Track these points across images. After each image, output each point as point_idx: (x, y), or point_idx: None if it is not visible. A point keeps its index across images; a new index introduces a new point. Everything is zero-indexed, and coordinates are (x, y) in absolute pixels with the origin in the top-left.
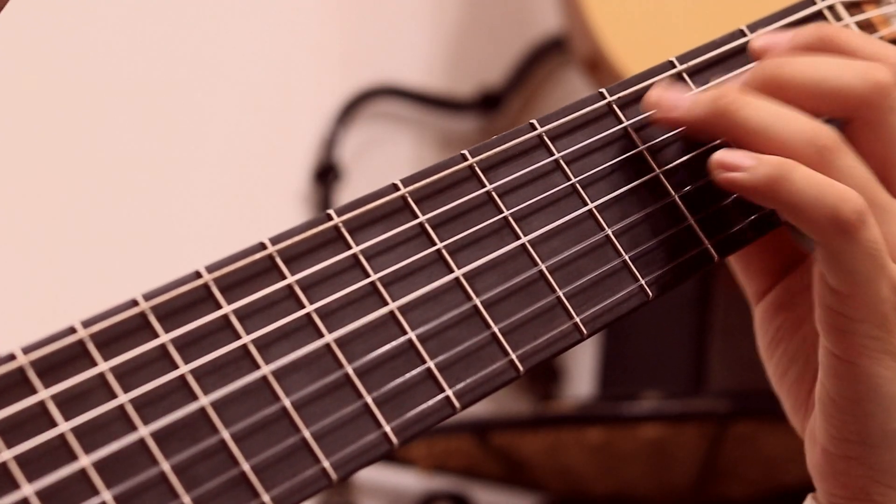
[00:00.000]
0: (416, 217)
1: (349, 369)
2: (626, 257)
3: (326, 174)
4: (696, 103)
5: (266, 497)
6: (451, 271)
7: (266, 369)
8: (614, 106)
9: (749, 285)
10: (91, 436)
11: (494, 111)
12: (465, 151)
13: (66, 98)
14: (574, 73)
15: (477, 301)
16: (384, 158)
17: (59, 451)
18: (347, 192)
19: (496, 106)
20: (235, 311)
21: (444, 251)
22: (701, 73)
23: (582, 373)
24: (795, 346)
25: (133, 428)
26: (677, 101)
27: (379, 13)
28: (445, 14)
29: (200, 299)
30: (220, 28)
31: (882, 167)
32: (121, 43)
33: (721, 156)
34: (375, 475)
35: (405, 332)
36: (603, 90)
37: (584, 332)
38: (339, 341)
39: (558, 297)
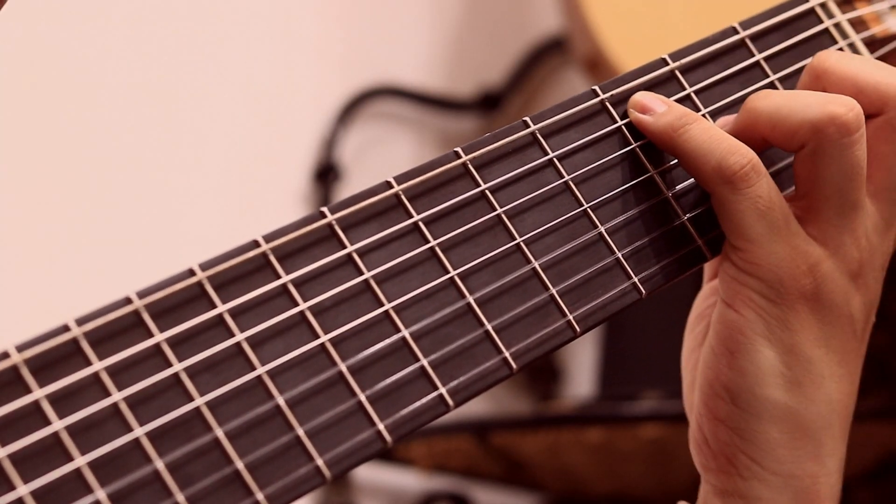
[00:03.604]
0: (410, 215)
1: (343, 367)
2: (620, 255)
3: (326, 174)
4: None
5: (260, 495)
6: (445, 269)
7: (260, 368)
8: (607, 104)
9: (710, 263)
10: (85, 434)
11: (494, 111)
12: (458, 149)
13: (67, 97)
14: (574, 73)
15: (470, 299)
16: (384, 158)
17: (53, 450)
18: (347, 192)
19: (496, 106)
20: (229, 310)
21: (437, 249)
22: (693, 70)
23: (582, 373)
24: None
25: (127, 426)
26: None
27: (379, 13)
28: (445, 14)
29: (194, 297)
30: (221, 28)
31: (882, 166)
32: (122, 42)
33: (640, 96)
34: (375, 475)
35: (399, 330)
36: (596, 87)
37: (577, 329)
38: (332, 339)
39: (551, 295)
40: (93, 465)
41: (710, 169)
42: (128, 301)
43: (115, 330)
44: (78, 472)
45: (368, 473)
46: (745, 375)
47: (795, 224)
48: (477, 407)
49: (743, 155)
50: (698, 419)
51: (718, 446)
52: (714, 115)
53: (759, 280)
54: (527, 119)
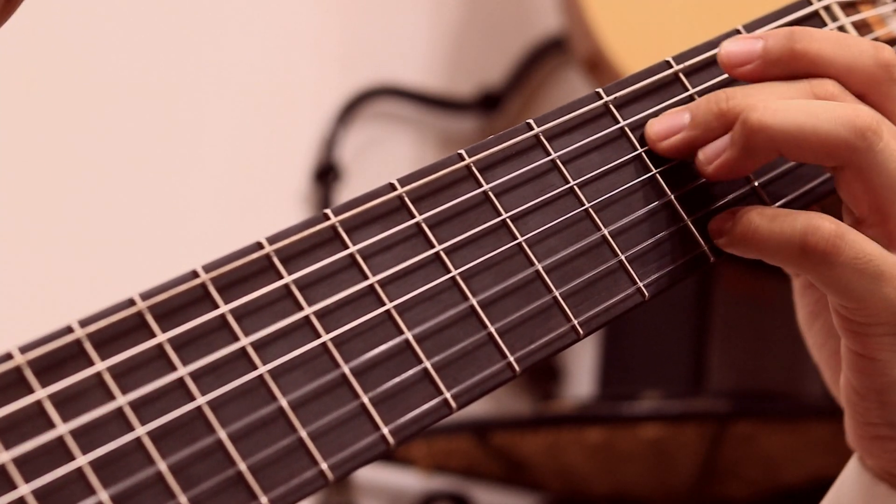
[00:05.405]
0: (414, 217)
1: (346, 369)
2: (623, 257)
3: (326, 174)
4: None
5: (263, 498)
6: (449, 271)
7: (263, 369)
8: (611, 106)
9: None
10: (88, 435)
11: (494, 111)
12: (461, 151)
13: (67, 98)
14: (574, 73)
15: (474, 301)
16: (384, 158)
17: (56, 451)
18: (347, 192)
19: (496, 106)
20: (233, 311)
21: (441, 251)
22: (697, 73)
23: (582, 373)
24: (832, 322)
25: (130, 427)
26: (751, 50)
27: (379, 13)
28: (445, 14)
29: (198, 299)
30: (221, 28)
31: (878, 208)
32: (121, 43)
33: (713, 223)
34: (375, 475)
35: (402, 332)
36: (599, 90)
37: (581, 332)
38: (335, 341)
39: (555, 298)
40: (95, 465)
41: (798, 257)
42: (131, 303)
43: (119, 331)
44: (80, 472)
45: (368, 473)
46: None
47: (891, 257)
48: (477, 407)
49: (821, 228)
50: (859, 437)
51: (888, 454)
52: None
53: (882, 325)
54: (530, 122)
